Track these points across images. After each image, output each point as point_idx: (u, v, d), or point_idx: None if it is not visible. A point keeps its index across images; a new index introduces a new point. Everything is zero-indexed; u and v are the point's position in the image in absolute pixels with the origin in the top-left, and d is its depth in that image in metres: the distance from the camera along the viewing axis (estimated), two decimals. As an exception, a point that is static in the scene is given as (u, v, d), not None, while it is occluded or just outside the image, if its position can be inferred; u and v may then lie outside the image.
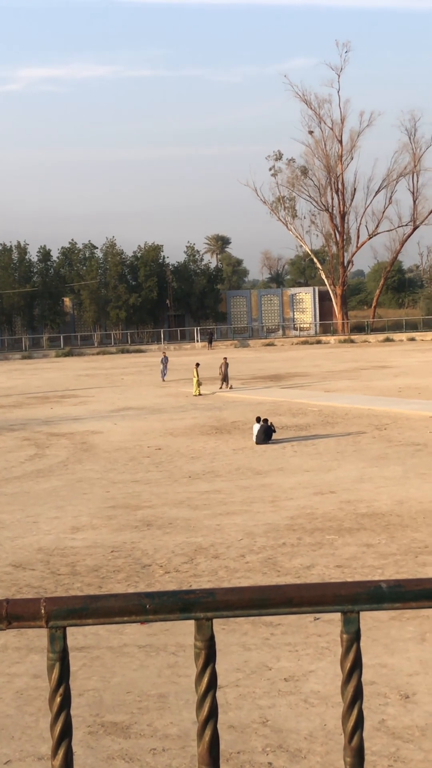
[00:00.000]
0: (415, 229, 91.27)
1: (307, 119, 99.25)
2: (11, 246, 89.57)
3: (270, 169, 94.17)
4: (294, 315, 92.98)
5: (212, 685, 1.57)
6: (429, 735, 7.68)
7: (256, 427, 24.41)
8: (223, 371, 40.30)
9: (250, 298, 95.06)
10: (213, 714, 1.57)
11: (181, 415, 31.70)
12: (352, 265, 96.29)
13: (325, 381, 42.67)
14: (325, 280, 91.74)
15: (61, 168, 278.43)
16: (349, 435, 25.02)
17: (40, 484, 20.05)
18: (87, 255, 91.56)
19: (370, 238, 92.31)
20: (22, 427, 29.96)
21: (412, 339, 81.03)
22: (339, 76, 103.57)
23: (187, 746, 7.62)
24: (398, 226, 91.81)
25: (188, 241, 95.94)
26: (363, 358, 59.22)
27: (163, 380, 46.13)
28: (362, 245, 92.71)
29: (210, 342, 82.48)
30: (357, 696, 1.58)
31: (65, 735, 1.56)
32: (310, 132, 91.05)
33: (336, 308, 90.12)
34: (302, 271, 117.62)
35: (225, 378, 40.26)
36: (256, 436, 24.22)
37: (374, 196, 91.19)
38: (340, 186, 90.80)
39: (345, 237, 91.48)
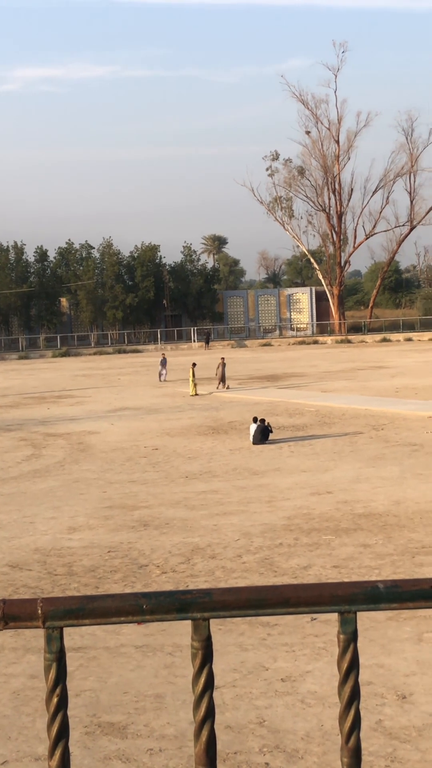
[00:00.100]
0: (412, 229, 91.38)
1: (304, 119, 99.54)
2: (8, 246, 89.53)
3: (267, 170, 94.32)
4: (291, 315, 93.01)
5: (209, 685, 1.57)
6: (426, 735, 7.69)
7: (253, 427, 24.41)
8: (220, 371, 40.29)
9: (247, 299, 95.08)
10: (210, 714, 1.57)
11: (178, 415, 31.70)
12: (349, 265, 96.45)
13: (322, 381, 42.68)
14: (322, 281, 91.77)
15: (59, 168, 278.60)
16: (346, 435, 25.03)
17: (37, 484, 20.04)
18: (84, 255, 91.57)
19: (367, 238, 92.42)
20: (18, 428, 29.94)
21: (409, 339, 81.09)
22: (336, 76, 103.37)
23: (184, 746, 7.61)
24: (395, 227, 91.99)
25: (185, 241, 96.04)
26: (360, 358, 59.25)
27: (162, 381, 46.07)
28: (359, 245, 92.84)
29: (207, 342, 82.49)
30: (354, 696, 1.58)
31: (62, 735, 1.56)
32: (307, 132, 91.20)
33: (333, 308, 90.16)
34: (299, 272, 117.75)
35: (222, 378, 40.26)
36: (253, 436, 24.22)
37: (371, 197, 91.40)
38: (337, 186, 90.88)
39: (342, 237, 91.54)
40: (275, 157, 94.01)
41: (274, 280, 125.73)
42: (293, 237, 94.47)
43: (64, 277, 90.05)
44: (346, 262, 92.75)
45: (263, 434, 24.24)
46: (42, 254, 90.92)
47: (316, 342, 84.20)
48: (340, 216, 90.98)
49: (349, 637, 1.58)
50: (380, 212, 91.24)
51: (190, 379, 38.80)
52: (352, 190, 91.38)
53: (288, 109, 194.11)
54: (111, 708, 8.48)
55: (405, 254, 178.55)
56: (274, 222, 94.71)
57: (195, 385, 38.72)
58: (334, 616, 1.60)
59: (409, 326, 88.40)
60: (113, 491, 18.82)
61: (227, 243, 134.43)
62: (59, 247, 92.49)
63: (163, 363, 47.19)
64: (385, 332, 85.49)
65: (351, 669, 1.57)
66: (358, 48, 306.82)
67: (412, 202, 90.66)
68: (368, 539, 14.06)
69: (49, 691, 1.56)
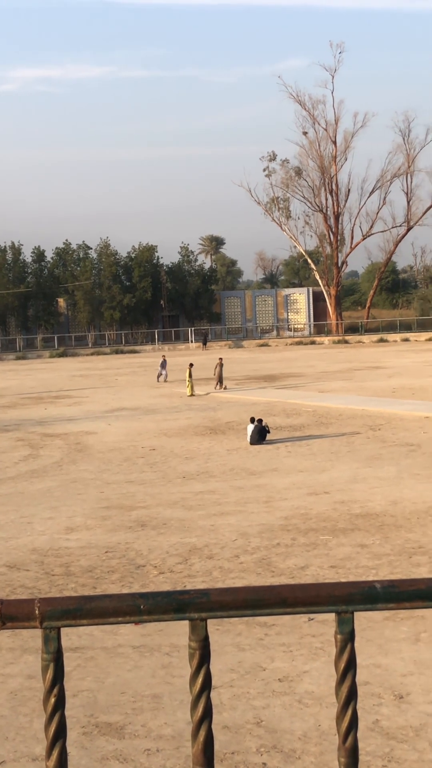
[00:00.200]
0: (409, 229, 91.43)
1: (301, 120, 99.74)
2: (5, 246, 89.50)
3: (264, 170, 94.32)
4: (288, 316, 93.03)
5: (206, 685, 1.57)
6: (423, 735, 7.69)
7: (251, 427, 24.42)
8: (218, 372, 40.29)
9: (245, 299, 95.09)
10: (207, 714, 1.57)
11: (176, 415, 31.70)
12: (346, 265, 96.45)
13: (319, 381, 42.69)
14: (319, 281, 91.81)
15: (56, 168, 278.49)
16: (343, 435, 25.04)
17: (34, 484, 20.03)
18: (81, 255, 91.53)
19: (364, 238, 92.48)
20: (16, 428, 29.92)
21: (406, 339, 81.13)
22: (333, 76, 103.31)
23: (181, 747, 7.62)
24: (392, 227, 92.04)
25: (182, 242, 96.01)
26: (357, 358, 59.27)
27: (162, 381, 46.00)
28: (356, 246, 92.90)
29: (204, 343, 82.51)
30: (351, 696, 1.58)
31: (59, 736, 1.56)
32: (304, 133, 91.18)
33: (330, 309, 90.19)
34: (296, 272, 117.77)
35: (220, 379, 40.25)
36: (251, 436, 24.22)
37: (368, 197, 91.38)
38: (334, 187, 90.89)
39: (339, 238, 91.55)
40: (272, 157, 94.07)
41: (271, 281, 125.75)
42: (290, 237, 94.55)
43: (62, 278, 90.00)
44: (343, 263, 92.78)
45: (260, 434, 24.24)
46: (39, 254, 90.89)
47: (313, 342, 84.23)
48: (337, 216, 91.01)
49: (347, 637, 1.58)
50: (377, 213, 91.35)
51: (187, 379, 38.80)
52: (349, 190, 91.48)
53: (285, 109, 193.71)
54: (108, 708, 8.48)
55: (402, 255, 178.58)
56: (271, 222, 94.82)
57: (192, 385, 38.71)
58: (332, 616, 1.60)
59: (406, 327, 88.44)
60: (111, 491, 18.82)
61: (225, 243, 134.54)
62: (56, 248, 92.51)
63: (163, 365, 47.15)
64: (382, 333, 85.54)
65: (348, 669, 1.58)
66: (356, 48, 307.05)
67: (409, 202, 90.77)
68: (365, 539, 14.07)
69: (46, 691, 1.56)
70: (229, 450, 23.62)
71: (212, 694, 1.57)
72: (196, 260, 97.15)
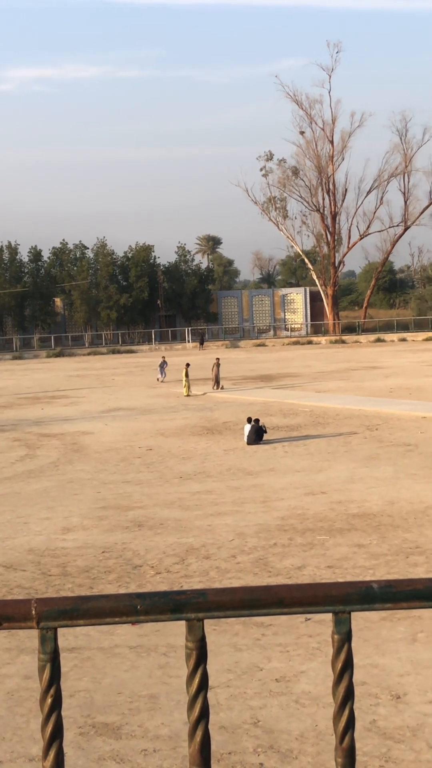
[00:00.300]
0: (406, 229, 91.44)
1: (298, 120, 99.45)
2: (2, 246, 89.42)
3: (261, 170, 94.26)
4: (285, 315, 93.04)
5: (203, 685, 1.57)
6: (420, 735, 7.70)
7: (247, 427, 24.42)
8: (215, 372, 40.29)
9: (241, 299, 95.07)
10: (204, 715, 1.57)
11: (172, 415, 31.70)
12: (343, 265, 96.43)
13: (316, 381, 42.70)
14: (316, 281, 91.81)
15: (52, 168, 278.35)
16: (340, 435, 25.05)
17: (31, 484, 20.02)
18: (78, 255, 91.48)
19: (361, 238, 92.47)
20: (12, 428, 29.90)
21: (403, 339, 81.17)
22: (330, 76, 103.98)
23: (178, 747, 7.61)
24: (389, 227, 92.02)
25: (179, 242, 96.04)
26: (354, 358, 59.30)
27: (161, 381, 45.95)
28: (353, 246, 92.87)
29: (201, 342, 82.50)
30: (348, 696, 1.58)
31: (56, 736, 1.56)
32: (301, 132, 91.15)
33: (327, 309, 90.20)
34: (293, 272, 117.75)
35: (216, 379, 40.25)
36: (247, 436, 24.22)
37: (365, 197, 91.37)
38: (331, 186, 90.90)
39: (336, 237, 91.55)
40: (269, 157, 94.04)
41: (268, 281, 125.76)
42: (287, 237, 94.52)
43: (58, 278, 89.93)
44: (340, 263, 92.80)
45: (257, 434, 24.24)
46: (36, 254, 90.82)
47: (310, 342, 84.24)
48: (334, 216, 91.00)
49: (344, 638, 1.58)
50: (374, 212, 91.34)
51: (184, 379, 38.78)
52: (346, 190, 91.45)
53: (282, 109, 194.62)
54: (105, 708, 8.47)
55: (399, 255, 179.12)
56: (268, 222, 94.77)
57: (188, 385, 38.70)
58: (329, 616, 1.60)
59: (403, 326, 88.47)
60: (107, 492, 18.81)
61: (221, 243, 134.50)
62: (53, 247, 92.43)
63: (163, 365, 47.09)
64: (379, 332, 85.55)
65: (345, 669, 1.57)
66: (353, 48, 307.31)
67: (406, 202, 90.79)
68: (362, 539, 14.07)
69: (43, 691, 1.56)
70: (226, 450, 23.62)
71: (209, 695, 1.57)
72: (193, 260, 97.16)
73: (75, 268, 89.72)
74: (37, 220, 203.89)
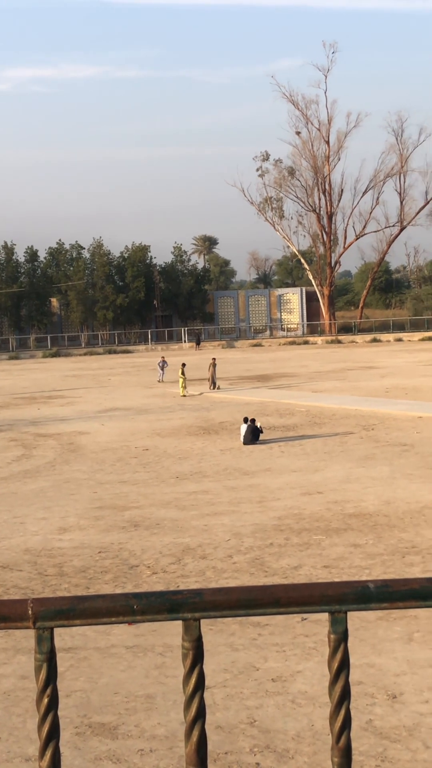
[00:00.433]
0: (402, 229, 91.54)
1: (295, 120, 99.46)
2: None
3: (257, 170, 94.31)
4: (281, 315, 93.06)
5: (200, 685, 1.57)
6: (416, 735, 7.70)
7: (244, 427, 24.42)
8: (211, 372, 40.29)
9: (238, 299, 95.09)
10: (201, 714, 1.57)
11: (169, 415, 31.69)
12: (340, 265, 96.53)
13: (312, 381, 42.72)
14: (313, 281, 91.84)
15: (48, 168, 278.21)
16: (337, 435, 25.06)
17: (27, 484, 20.00)
18: (74, 255, 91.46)
19: (357, 238, 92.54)
20: (9, 428, 29.88)
21: (399, 339, 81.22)
22: (326, 76, 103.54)
23: (174, 747, 7.61)
24: (385, 227, 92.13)
25: (175, 242, 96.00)
26: (350, 358, 59.32)
27: (161, 381, 45.90)
28: (349, 246, 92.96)
29: (198, 343, 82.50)
30: (344, 696, 1.58)
31: (52, 736, 1.56)
32: (298, 133, 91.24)
33: (323, 309, 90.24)
34: (289, 272, 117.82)
35: (213, 379, 40.24)
36: (244, 436, 24.23)
37: (361, 197, 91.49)
38: (327, 187, 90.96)
39: (332, 238, 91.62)
40: (265, 157, 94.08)
41: (264, 281, 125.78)
42: (284, 237, 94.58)
43: (55, 278, 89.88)
44: (336, 263, 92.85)
45: (254, 434, 24.25)
46: (32, 254, 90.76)
47: (306, 342, 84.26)
48: (330, 216, 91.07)
49: (340, 637, 1.58)
50: (370, 213, 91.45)
51: (180, 379, 38.78)
52: (342, 190, 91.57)
53: (278, 109, 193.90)
54: (102, 708, 8.47)
55: (395, 255, 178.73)
56: (264, 222, 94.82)
57: (185, 386, 38.68)
58: (325, 616, 1.60)
59: (399, 326, 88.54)
60: (104, 492, 18.81)
61: (218, 243, 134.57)
62: (50, 248, 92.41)
63: (162, 366, 47.04)
64: (375, 332, 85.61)
65: (341, 669, 1.57)
66: (349, 49, 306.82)
67: (402, 202, 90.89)
68: (358, 539, 14.08)
69: (39, 691, 1.56)
70: (223, 450, 23.62)
71: (206, 694, 1.57)
72: (189, 260, 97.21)
73: (71, 269, 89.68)
74: (33, 220, 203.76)
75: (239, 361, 61.40)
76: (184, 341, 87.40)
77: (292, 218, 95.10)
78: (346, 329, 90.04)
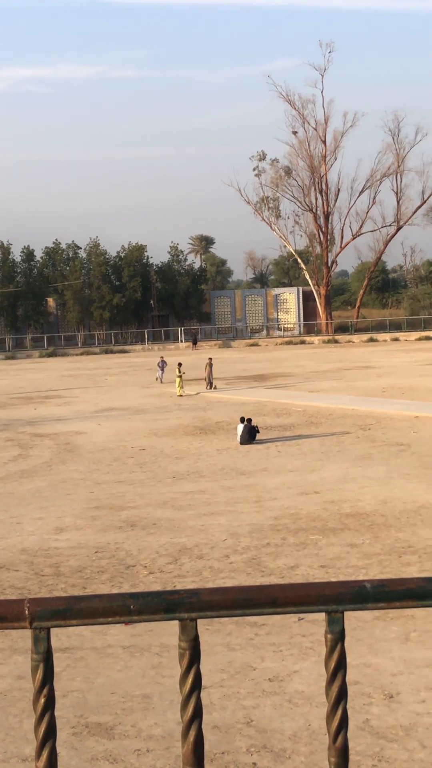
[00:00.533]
0: (398, 229, 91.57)
1: (291, 120, 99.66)
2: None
3: (254, 170, 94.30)
4: (278, 315, 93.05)
5: (197, 685, 1.57)
6: (413, 735, 7.71)
7: (240, 427, 24.43)
8: (208, 371, 40.29)
9: (234, 299, 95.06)
10: (197, 714, 1.57)
11: (165, 415, 31.69)
12: (336, 265, 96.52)
13: (309, 381, 42.73)
14: (309, 281, 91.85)
15: (45, 168, 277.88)
16: (333, 435, 25.07)
17: (24, 484, 20.00)
18: (71, 255, 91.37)
19: (353, 238, 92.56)
20: (5, 428, 29.86)
21: (396, 339, 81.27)
22: (322, 76, 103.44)
23: (171, 747, 7.61)
24: (382, 227, 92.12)
25: (172, 241, 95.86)
26: (347, 358, 59.35)
27: (161, 382, 45.84)
28: (346, 246, 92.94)
29: (194, 342, 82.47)
30: (341, 696, 1.58)
31: (49, 736, 1.56)
32: (294, 132, 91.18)
33: (320, 308, 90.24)
34: (286, 272, 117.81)
35: (209, 378, 40.24)
36: (240, 436, 24.23)
37: (358, 197, 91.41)
38: (323, 186, 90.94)
39: (329, 237, 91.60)
40: (262, 157, 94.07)
41: (261, 280, 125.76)
42: (280, 237, 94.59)
43: (51, 277, 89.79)
44: (333, 262, 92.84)
45: (250, 434, 24.25)
46: (29, 254, 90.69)
47: (303, 342, 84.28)
48: (327, 216, 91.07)
49: (337, 637, 1.58)
50: (367, 212, 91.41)
51: (177, 379, 38.77)
52: (338, 190, 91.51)
53: (275, 109, 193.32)
54: (98, 708, 8.47)
55: (392, 254, 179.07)
56: (261, 222, 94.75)
57: (182, 385, 38.68)
58: (322, 615, 1.60)
59: (396, 326, 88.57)
60: (100, 492, 18.80)
61: (214, 243, 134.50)
62: (46, 247, 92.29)
63: (162, 366, 47.00)
64: (371, 332, 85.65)
65: (338, 668, 1.57)
66: (345, 48, 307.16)
67: (398, 202, 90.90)
68: (355, 539, 14.09)
69: (36, 691, 1.56)
70: (219, 450, 23.62)
71: (202, 694, 1.57)
72: (185, 260, 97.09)
73: (68, 268, 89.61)
74: (29, 219, 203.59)
75: (236, 361, 61.41)
76: (181, 341, 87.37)
77: (288, 218, 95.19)
78: (342, 329, 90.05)
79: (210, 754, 7.37)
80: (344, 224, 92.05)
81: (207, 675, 8.63)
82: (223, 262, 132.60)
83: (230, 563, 13.06)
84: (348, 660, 1.61)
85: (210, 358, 42.10)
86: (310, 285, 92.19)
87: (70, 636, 10.16)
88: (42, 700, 1.55)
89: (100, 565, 13.25)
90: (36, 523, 16.17)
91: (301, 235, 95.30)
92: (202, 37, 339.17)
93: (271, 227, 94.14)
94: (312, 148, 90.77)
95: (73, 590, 12.06)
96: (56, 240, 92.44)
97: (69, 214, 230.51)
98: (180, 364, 40.10)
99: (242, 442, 24.07)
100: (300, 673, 9.03)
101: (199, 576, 12.51)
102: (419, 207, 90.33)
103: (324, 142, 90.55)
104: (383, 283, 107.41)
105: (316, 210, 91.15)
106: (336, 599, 1.57)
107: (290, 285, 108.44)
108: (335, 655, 1.57)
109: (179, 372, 38.92)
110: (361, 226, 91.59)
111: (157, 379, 46.09)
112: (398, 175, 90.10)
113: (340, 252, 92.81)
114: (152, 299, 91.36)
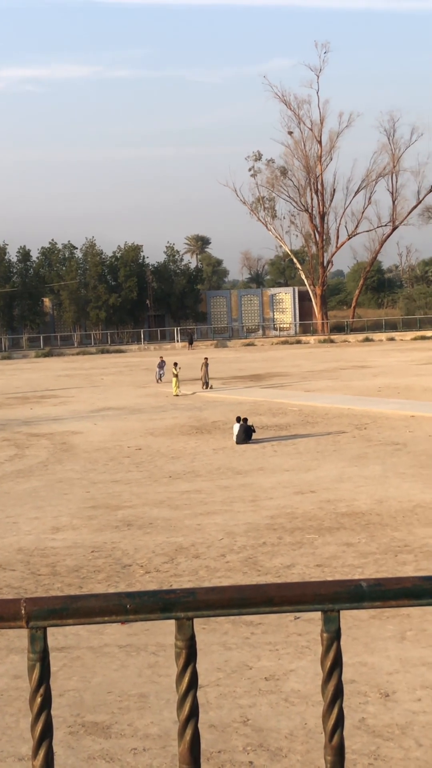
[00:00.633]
0: (394, 229, 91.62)
1: (287, 120, 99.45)
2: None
3: (249, 170, 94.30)
4: (274, 315, 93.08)
5: (193, 684, 1.57)
6: (409, 733, 7.72)
7: (236, 427, 24.43)
8: (203, 371, 40.29)
9: (230, 299, 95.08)
10: (194, 713, 1.57)
11: (162, 415, 31.68)
12: (332, 265, 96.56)
13: (305, 381, 42.75)
14: (305, 281, 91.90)
15: (42, 168, 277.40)
16: (329, 435, 25.08)
17: (20, 484, 19.98)
18: (67, 255, 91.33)
19: (349, 238, 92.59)
20: (1, 428, 29.84)
21: (392, 339, 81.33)
22: (318, 76, 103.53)
23: (167, 746, 7.61)
24: (377, 227, 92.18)
25: (168, 242, 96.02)
26: (343, 358, 59.38)
27: (160, 381, 45.78)
28: (342, 245, 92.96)
29: (190, 342, 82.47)
30: (337, 695, 1.58)
31: (46, 735, 1.56)
32: (290, 133, 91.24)
33: (316, 308, 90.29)
34: (282, 272, 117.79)
35: (205, 378, 40.24)
36: (237, 435, 24.24)
37: (353, 197, 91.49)
38: (319, 186, 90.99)
39: (324, 237, 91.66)
40: (258, 157, 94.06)
41: (257, 280, 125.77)
42: (276, 237, 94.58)
43: (47, 277, 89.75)
44: (328, 262, 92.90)
45: (246, 434, 24.26)
46: (25, 254, 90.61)
47: (299, 342, 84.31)
48: (322, 216, 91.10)
49: (333, 636, 1.58)
50: (362, 212, 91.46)
51: (174, 379, 38.76)
52: (334, 190, 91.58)
53: (270, 109, 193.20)
54: (95, 708, 8.47)
55: (387, 254, 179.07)
56: (257, 222, 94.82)
57: (178, 385, 38.66)
58: (318, 614, 1.60)
59: (392, 326, 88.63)
60: (97, 491, 18.79)
61: (210, 243, 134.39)
62: (42, 247, 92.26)
63: (161, 365, 46.98)
64: (367, 332, 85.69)
65: (334, 667, 1.58)
66: (341, 49, 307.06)
67: (394, 202, 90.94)
68: (351, 538, 14.10)
69: (32, 691, 1.56)
70: (215, 449, 23.63)
71: (199, 693, 1.58)
72: (181, 260, 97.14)
73: (64, 268, 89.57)
74: (25, 219, 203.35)
75: (232, 361, 61.41)
76: (177, 341, 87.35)
77: (284, 218, 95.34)
78: (338, 329, 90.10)
79: (206, 753, 7.38)
80: (340, 224, 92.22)
81: (203, 674, 8.63)
82: (219, 262, 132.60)
83: (226, 562, 13.06)
84: (344, 659, 1.61)
85: (206, 358, 42.10)
86: (305, 285, 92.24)
87: (66, 635, 10.16)
88: (38, 700, 1.55)
89: (96, 564, 13.25)
90: (32, 522, 16.17)
91: (297, 235, 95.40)
92: (197, 38, 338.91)
93: (266, 227, 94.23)
94: (307, 148, 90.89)
95: (70, 590, 12.06)
96: (52, 240, 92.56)
97: (68, 214, 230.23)
98: (176, 364, 40.09)
99: (238, 442, 24.08)
100: (296, 672, 9.04)
101: (196, 575, 12.51)
102: (415, 207, 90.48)
103: (319, 142, 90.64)
104: (379, 283, 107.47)
105: (312, 210, 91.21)
106: (332, 598, 1.58)
107: (286, 285, 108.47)
108: (331, 654, 1.58)
109: (176, 370, 38.91)
110: (356, 226, 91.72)
111: (156, 380, 46.05)
112: (394, 175, 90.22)
113: (335, 252, 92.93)
114: (148, 299, 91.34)
